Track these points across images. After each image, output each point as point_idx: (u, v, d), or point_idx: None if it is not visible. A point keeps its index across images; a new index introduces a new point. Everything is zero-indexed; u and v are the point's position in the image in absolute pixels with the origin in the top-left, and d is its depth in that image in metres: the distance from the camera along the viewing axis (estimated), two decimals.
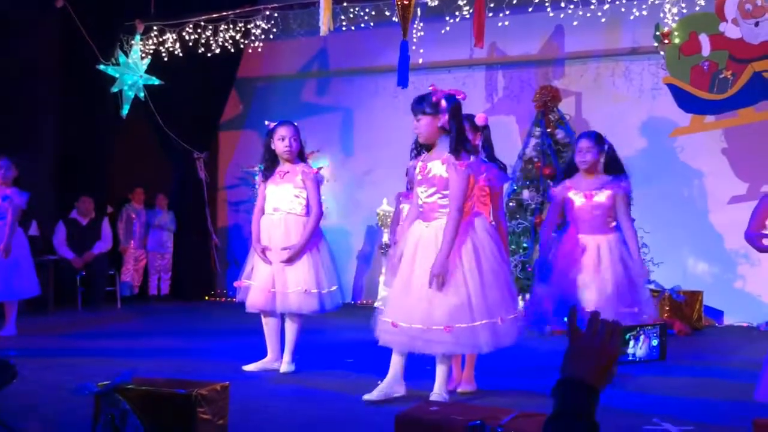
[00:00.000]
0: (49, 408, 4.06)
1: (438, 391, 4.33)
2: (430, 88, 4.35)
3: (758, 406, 4.35)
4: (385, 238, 9.67)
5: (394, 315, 4.29)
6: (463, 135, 4.29)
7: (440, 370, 4.37)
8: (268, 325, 5.45)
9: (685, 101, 7.88)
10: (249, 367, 5.33)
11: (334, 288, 5.42)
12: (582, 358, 1.53)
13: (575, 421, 1.46)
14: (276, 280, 5.25)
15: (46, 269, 8.25)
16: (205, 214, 10.63)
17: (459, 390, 4.70)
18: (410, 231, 4.43)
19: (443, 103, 4.24)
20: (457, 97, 4.33)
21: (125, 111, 9.61)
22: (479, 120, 4.80)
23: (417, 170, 4.42)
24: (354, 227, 10.59)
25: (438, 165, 4.29)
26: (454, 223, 4.17)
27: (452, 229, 4.17)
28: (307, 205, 5.39)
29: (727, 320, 8.57)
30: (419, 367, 5.58)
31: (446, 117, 4.24)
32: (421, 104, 4.30)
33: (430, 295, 4.17)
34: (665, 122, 8.70)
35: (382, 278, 9.49)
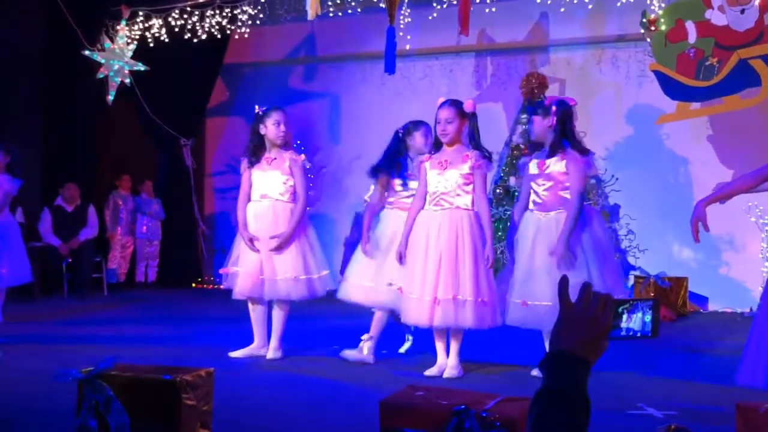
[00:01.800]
0: (33, 394, 4.05)
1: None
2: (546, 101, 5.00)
3: (742, 390, 4.39)
4: None
5: (522, 296, 4.69)
6: (574, 134, 4.84)
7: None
8: (255, 311, 5.44)
9: (671, 88, 7.89)
10: (235, 354, 5.33)
11: (325, 272, 5.43)
12: (573, 330, 1.45)
13: (565, 395, 1.38)
14: (264, 267, 5.24)
15: (32, 256, 8.17)
16: (192, 201, 10.60)
17: (445, 375, 4.72)
18: (526, 222, 4.84)
19: (553, 107, 4.78)
20: (570, 103, 4.91)
21: (111, 97, 9.55)
22: (467, 106, 4.80)
23: (534, 166, 4.84)
24: (341, 214, 10.59)
25: (555, 162, 4.75)
26: (576, 211, 4.63)
27: (575, 215, 4.62)
28: (294, 192, 5.38)
29: (712, 306, 8.63)
30: (407, 353, 5.61)
31: (554, 119, 4.75)
32: (535, 107, 5.03)
33: (557, 274, 4.29)
34: (651, 109, 8.72)
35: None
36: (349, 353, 5.22)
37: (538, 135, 4.89)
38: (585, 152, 4.77)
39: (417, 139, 5.28)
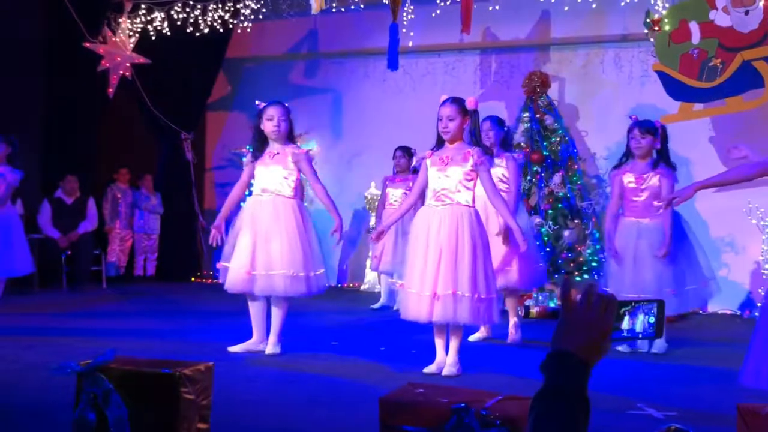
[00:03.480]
0: (31, 387, 4.04)
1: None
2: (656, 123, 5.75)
3: (742, 391, 4.39)
4: (372, 222, 9.66)
5: (635, 290, 5.42)
6: (667, 153, 5.71)
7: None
8: (254, 307, 5.42)
9: (674, 89, 7.88)
10: (234, 348, 5.32)
11: (320, 271, 5.40)
12: (574, 332, 1.45)
13: (566, 395, 1.39)
14: (258, 262, 5.21)
15: (31, 248, 8.17)
16: (191, 195, 10.58)
17: (443, 373, 4.71)
18: (626, 228, 5.70)
19: (659, 130, 5.69)
20: (656, 125, 5.72)
21: (112, 90, 9.53)
22: (469, 104, 4.79)
23: (632, 179, 5.68)
24: (341, 210, 10.51)
25: (652, 176, 5.63)
26: (670, 217, 5.51)
27: (671, 222, 5.54)
28: (296, 188, 5.38)
29: (712, 308, 8.59)
30: (406, 350, 5.60)
31: (658, 140, 5.66)
32: (642, 126, 5.69)
33: (661, 269, 5.57)
34: (653, 110, 8.66)
35: (368, 262, 9.49)
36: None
37: (644, 152, 5.66)
38: (674, 169, 5.69)
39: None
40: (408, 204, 5.12)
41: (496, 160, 5.82)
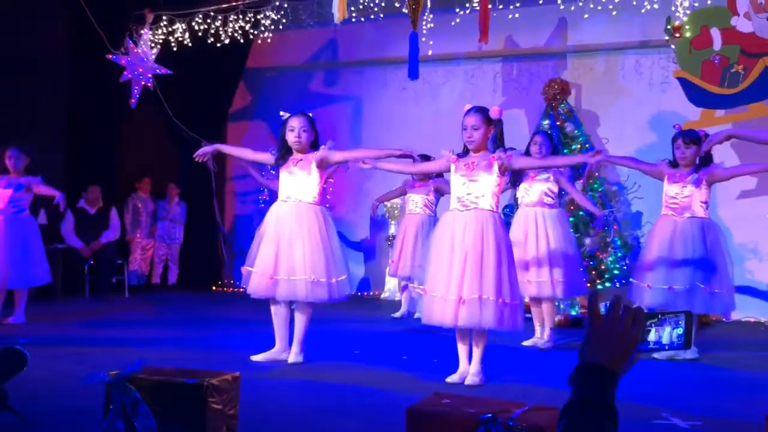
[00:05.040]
0: (59, 396, 4.08)
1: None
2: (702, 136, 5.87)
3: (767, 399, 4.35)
4: (392, 230, 9.67)
5: (668, 282, 5.79)
6: (710, 158, 5.94)
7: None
8: (278, 315, 5.43)
9: (696, 95, 7.85)
10: (257, 358, 5.34)
11: (343, 277, 5.41)
12: (602, 344, 1.48)
13: (594, 406, 1.42)
14: (281, 267, 5.23)
15: (54, 258, 8.26)
16: (213, 204, 10.63)
17: (466, 382, 4.70)
18: (659, 224, 6.01)
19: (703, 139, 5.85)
20: (700, 134, 5.93)
21: (134, 101, 9.61)
22: (493, 113, 4.81)
23: (674, 184, 5.91)
24: (360, 218, 10.59)
25: (693, 179, 5.85)
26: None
27: None
28: (320, 194, 5.41)
29: (735, 315, 8.54)
30: (428, 359, 5.60)
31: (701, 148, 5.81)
32: (686, 136, 5.92)
33: (696, 264, 5.81)
34: (675, 116, 8.64)
35: (387, 269, 9.49)
36: None
37: (688, 162, 5.87)
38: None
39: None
40: (408, 170, 5.33)
41: (543, 175, 6.26)
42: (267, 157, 5.61)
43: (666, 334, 1.65)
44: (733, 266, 6.02)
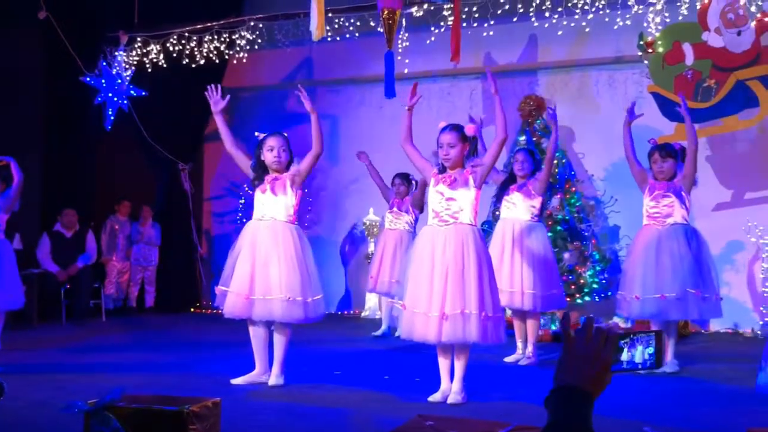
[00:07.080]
0: (37, 426, 4.01)
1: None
2: None
3: (748, 412, 4.38)
4: (371, 248, 9.65)
5: (659, 290, 5.78)
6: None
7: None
8: (256, 336, 5.38)
9: (669, 110, 7.91)
10: (237, 381, 5.28)
11: (318, 296, 5.38)
12: (575, 366, 1.50)
13: (573, 428, 1.43)
14: (257, 287, 5.20)
15: (30, 283, 8.17)
16: (190, 225, 10.58)
17: (449, 401, 4.68)
18: (643, 233, 6.02)
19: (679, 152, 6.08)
20: (676, 147, 6.14)
21: (109, 123, 9.55)
22: (468, 131, 4.85)
23: (654, 194, 5.95)
24: (338, 236, 10.57)
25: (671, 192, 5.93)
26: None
27: None
28: (295, 213, 5.39)
29: (713, 326, 8.60)
30: (410, 378, 5.58)
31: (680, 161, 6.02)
32: (665, 150, 6.01)
33: (684, 270, 5.84)
34: (650, 131, 8.71)
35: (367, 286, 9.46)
36: None
37: (667, 175, 5.94)
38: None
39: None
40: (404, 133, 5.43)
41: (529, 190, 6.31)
42: (244, 160, 5.57)
43: (638, 353, 1.67)
44: (717, 273, 6.07)
